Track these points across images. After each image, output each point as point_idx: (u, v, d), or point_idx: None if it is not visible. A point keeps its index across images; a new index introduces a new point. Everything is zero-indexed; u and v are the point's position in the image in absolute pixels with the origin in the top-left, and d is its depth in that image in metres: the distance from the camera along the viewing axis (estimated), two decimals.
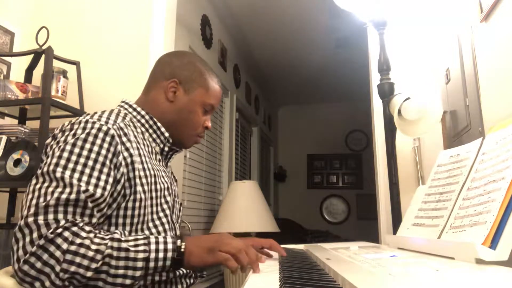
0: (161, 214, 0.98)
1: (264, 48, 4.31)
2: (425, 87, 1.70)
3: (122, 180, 0.90)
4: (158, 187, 0.98)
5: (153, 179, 0.97)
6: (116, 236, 0.79)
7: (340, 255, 0.87)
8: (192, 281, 1.02)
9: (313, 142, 6.02)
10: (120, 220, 0.90)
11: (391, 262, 0.71)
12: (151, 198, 0.95)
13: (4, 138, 1.75)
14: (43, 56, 1.80)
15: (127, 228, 0.90)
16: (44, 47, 1.81)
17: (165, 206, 1.00)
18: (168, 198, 1.02)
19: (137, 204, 0.91)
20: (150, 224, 0.95)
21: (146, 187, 0.94)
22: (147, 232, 0.93)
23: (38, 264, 0.72)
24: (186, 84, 1.08)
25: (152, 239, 0.80)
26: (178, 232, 1.07)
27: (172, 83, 1.07)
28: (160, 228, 0.97)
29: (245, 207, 2.77)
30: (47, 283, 0.73)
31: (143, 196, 0.92)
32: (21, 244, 0.74)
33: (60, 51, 1.92)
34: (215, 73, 1.16)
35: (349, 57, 4.06)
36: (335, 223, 5.79)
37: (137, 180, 0.92)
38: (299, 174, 6.03)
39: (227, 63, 3.68)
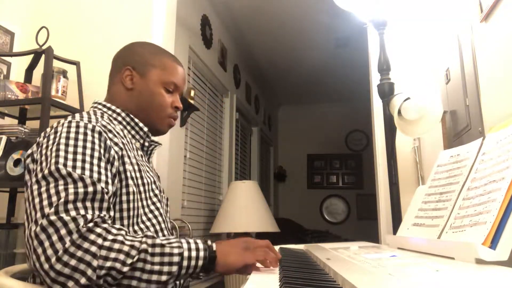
0: (152, 207, 0.98)
1: (264, 48, 4.30)
2: (425, 87, 1.70)
3: (117, 174, 0.90)
4: (145, 181, 0.98)
5: (139, 174, 0.97)
6: (149, 234, 0.79)
7: (340, 255, 0.87)
8: (183, 282, 1.02)
9: (313, 142, 6.02)
10: (117, 215, 0.90)
11: (391, 262, 0.71)
12: (140, 192, 0.95)
13: (4, 138, 1.75)
14: (43, 56, 1.80)
15: (125, 222, 0.90)
16: (44, 47, 1.81)
17: (154, 199, 1.00)
18: (156, 192, 1.02)
19: (131, 197, 0.91)
20: (144, 218, 0.95)
21: (134, 181, 0.94)
22: (142, 226, 0.93)
23: (73, 262, 0.70)
24: (140, 68, 1.07)
25: (182, 239, 0.80)
26: (169, 226, 1.07)
27: (126, 71, 1.07)
28: (154, 221, 0.97)
29: (245, 207, 2.77)
30: (83, 280, 0.70)
31: (135, 189, 0.93)
32: (47, 244, 0.70)
33: (60, 51, 1.92)
34: (171, 53, 1.15)
35: (349, 57, 4.06)
36: (335, 223, 5.78)
37: (128, 174, 0.92)
38: (299, 174, 6.03)
39: (227, 63, 3.68)
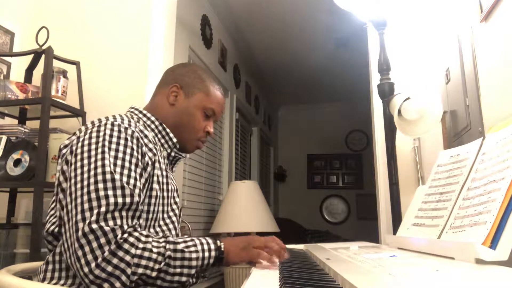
0: (171, 214, 1.03)
1: (264, 48, 4.30)
2: (425, 87, 1.70)
3: (148, 179, 0.95)
4: (170, 187, 1.03)
5: (165, 180, 1.02)
6: (170, 239, 0.86)
7: (340, 255, 0.87)
8: (193, 280, 1.04)
9: (313, 142, 6.02)
10: None
11: (391, 262, 0.72)
12: (163, 197, 1.00)
13: (4, 138, 1.75)
14: (43, 56, 1.80)
15: (143, 223, 0.94)
16: (44, 47, 1.81)
17: (174, 206, 1.05)
18: (177, 199, 1.08)
19: (152, 200, 0.96)
20: (161, 222, 0.99)
21: (161, 186, 0.99)
22: (158, 230, 0.98)
23: (109, 268, 0.78)
24: (187, 88, 1.12)
25: (197, 241, 0.89)
26: (180, 234, 1.10)
27: (173, 88, 1.12)
28: (171, 226, 1.02)
29: (245, 207, 2.77)
30: (117, 284, 0.79)
31: (159, 194, 0.97)
32: (87, 249, 0.78)
33: (60, 51, 1.92)
34: (218, 81, 1.21)
35: (349, 57, 4.05)
36: (335, 223, 5.78)
37: (155, 178, 0.97)
38: (299, 174, 6.03)
39: (227, 63, 3.68)
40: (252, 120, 4.76)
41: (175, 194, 1.07)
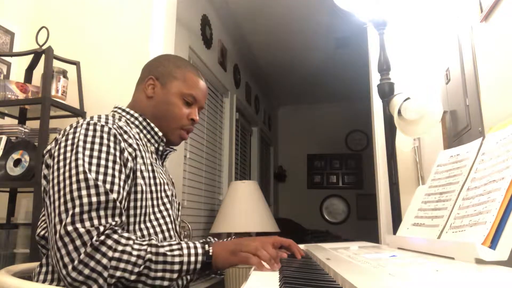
0: (162, 208, 1.01)
1: (264, 48, 4.30)
2: (425, 87, 1.70)
3: (131, 175, 0.93)
4: (158, 181, 1.01)
5: (151, 174, 1.00)
6: (153, 242, 0.85)
7: (340, 255, 0.87)
8: (189, 277, 1.03)
9: (313, 142, 6.02)
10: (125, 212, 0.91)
11: (391, 262, 0.72)
12: (151, 191, 0.98)
13: (4, 138, 1.75)
14: (43, 56, 1.80)
15: (131, 219, 0.92)
16: (44, 47, 1.81)
17: (165, 200, 1.03)
18: (168, 193, 1.05)
19: (138, 196, 0.94)
20: (152, 217, 0.97)
21: (146, 180, 0.97)
22: (149, 225, 0.96)
23: (86, 271, 0.77)
24: (163, 78, 1.11)
25: (184, 245, 0.87)
26: (178, 229, 1.09)
27: (149, 80, 1.11)
28: (162, 221, 0.99)
29: (245, 207, 2.77)
30: (95, 287, 0.78)
31: (144, 188, 0.95)
32: (64, 251, 0.78)
33: (60, 51, 1.92)
34: (195, 68, 1.18)
35: (349, 57, 4.06)
36: (335, 223, 5.78)
37: (138, 173, 0.95)
38: (299, 174, 6.03)
39: (227, 63, 3.68)
40: (252, 120, 4.76)
41: (166, 188, 1.05)
